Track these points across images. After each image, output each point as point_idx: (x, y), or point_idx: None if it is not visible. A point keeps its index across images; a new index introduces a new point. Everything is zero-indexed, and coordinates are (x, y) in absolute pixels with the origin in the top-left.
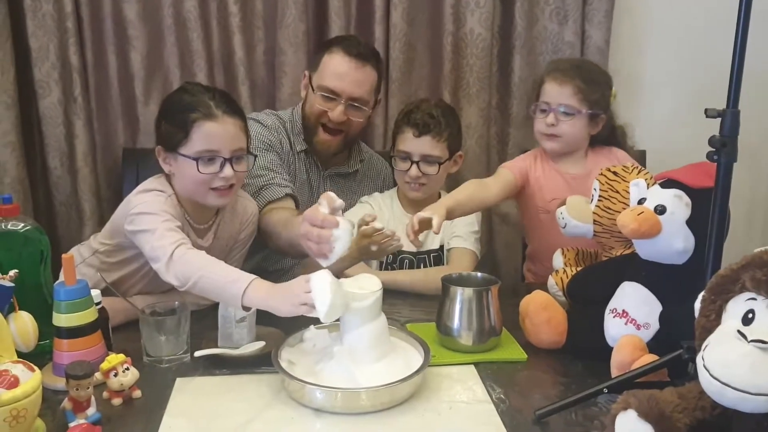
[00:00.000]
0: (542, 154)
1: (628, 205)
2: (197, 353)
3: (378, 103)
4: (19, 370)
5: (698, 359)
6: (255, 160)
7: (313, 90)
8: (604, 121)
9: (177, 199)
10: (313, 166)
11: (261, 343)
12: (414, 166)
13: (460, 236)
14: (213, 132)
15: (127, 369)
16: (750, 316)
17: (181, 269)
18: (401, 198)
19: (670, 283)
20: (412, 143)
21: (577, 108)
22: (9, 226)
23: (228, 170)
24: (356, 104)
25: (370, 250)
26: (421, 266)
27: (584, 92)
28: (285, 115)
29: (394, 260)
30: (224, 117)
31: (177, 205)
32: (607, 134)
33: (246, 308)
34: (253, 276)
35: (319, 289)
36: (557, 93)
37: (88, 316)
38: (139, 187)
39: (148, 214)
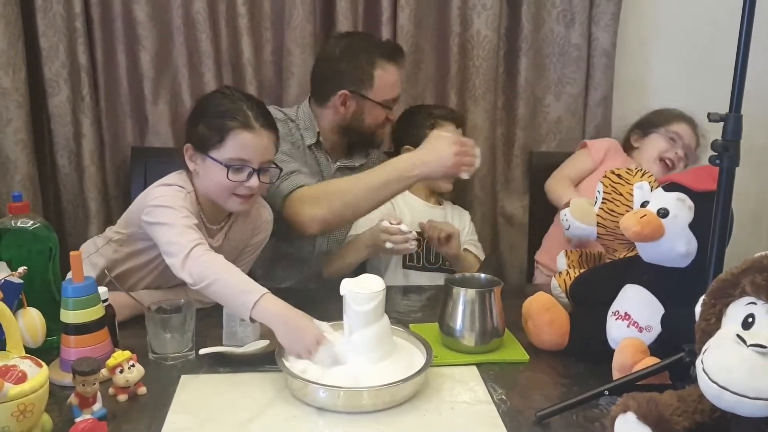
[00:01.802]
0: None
1: (632, 208)
2: (202, 351)
3: None
4: (26, 365)
5: (697, 363)
6: (280, 173)
7: (373, 104)
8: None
9: (195, 197)
10: (322, 159)
11: (265, 342)
12: None
13: (474, 245)
14: (248, 142)
15: (133, 366)
16: (750, 320)
17: (198, 269)
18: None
19: (673, 287)
20: (455, 134)
21: (689, 147)
22: (19, 224)
23: (255, 181)
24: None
25: (384, 247)
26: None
27: (695, 138)
28: (290, 112)
29: (419, 245)
30: (261, 129)
31: (195, 203)
32: None
33: (252, 320)
34: (265, 290)
35: (324, 357)
36: (686, 135)
37: (95, 313)
38: (160, 181)
39: (168, 208)
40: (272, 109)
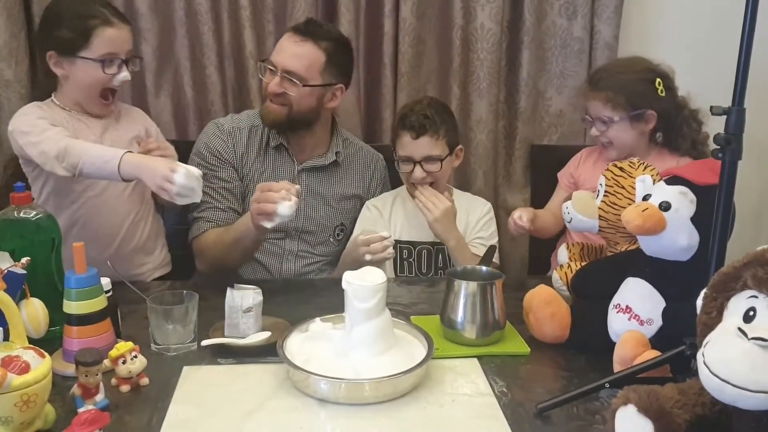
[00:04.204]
0: (597, 152)
1: (634, 201)
2: (204, 342)
3: (338, 91)
4: (29, 356)
5: (699, 356)
6: (140, 62)
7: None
8: (654, 116)
9: (54, 102)
10: (286, 161)
11: (267, 333)
12: (417, 168)
13: (483, 244)
14: (113, 36)
15: (135, 357)
16: (751, 313)
17: (68, 162)
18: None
19: (674, 280)
20: (412, 146)
21: (609, 116)
22: (21, 214)
23: (125, 72)
24: (290, 77)
25: (364, 260)
26: (440, 257)
27: (614, 99)
28: None
29: (410, 254)
30: (119, 23)
31: (55, 107)
32: (668, 125)
33: (126, 180)
34: (123, 150)
35: (186, 183)
36: (591, 106)
37: (98, 304)
38: None
39: (22, 131)
40: (229, 118)
